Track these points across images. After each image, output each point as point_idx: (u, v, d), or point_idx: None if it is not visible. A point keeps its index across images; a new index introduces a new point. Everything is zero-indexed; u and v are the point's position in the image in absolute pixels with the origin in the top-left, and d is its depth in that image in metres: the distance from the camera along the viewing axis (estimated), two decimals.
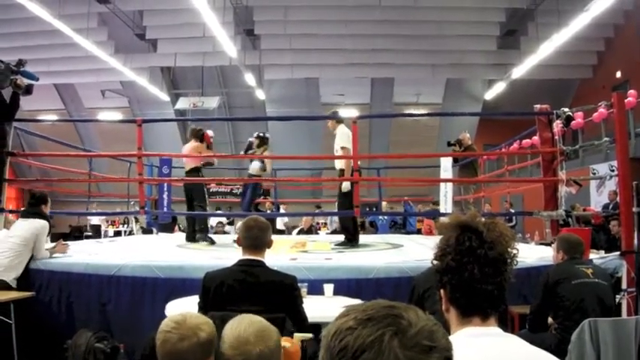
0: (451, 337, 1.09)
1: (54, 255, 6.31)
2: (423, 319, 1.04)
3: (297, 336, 3.13)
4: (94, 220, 20.58)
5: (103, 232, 19.32)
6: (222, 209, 21.15)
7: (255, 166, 9.75)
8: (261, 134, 9.79)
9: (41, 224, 6.19)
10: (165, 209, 10.65)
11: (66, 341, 5.29)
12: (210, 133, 9.61)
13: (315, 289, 5.12)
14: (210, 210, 17.27)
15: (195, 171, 9.29)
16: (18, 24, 19.56)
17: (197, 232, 9.30)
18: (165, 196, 10.70)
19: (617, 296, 5.18)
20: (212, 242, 9.00)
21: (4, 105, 6.83)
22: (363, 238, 9.81)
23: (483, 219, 1.80)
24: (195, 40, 20.56)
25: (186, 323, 2.23)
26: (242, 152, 10.36)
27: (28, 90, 7.00)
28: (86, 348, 5.09)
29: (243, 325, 2.26)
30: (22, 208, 7.16)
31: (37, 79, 7.15)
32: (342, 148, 8.10)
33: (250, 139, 9.90)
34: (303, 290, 4.49)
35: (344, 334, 1.02)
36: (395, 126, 24.49)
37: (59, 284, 5.88)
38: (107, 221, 20.56)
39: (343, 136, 8.12)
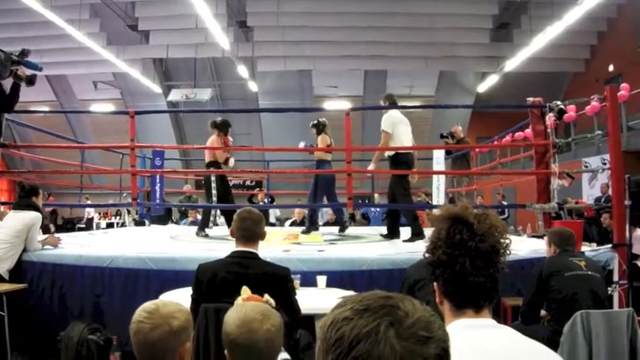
0: None
1: (45, 247, 6.29)
2: (419, 310, 1.04)
3: (266, 296, 3.15)
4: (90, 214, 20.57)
5: (95, 225, 19.29)
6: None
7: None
8: (315, 122, 9.40)
9: (34, 216, 6.16)
10: (157, 201, 10.64)
11: (59, 333, 5.28)
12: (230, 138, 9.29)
13: (308, 280, 5.13)
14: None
15: (211, 166, 8.94)
16: (10, 15, 19.48)
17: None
18: (157, 187, 10.69)
19: (609, 289, 5.20)
20: (206, 236, 8.94)
21: (3, 96, 6.75)
22: (355, 231, 9.83)
23: (475, 210, 1.79)
24: (187, 31, 20.51)
25: (159, 312, 2.21)
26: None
27: (31, 81, 6.89)
28: (79, 340, 5.08)
29: (248, 307, 2.31)
30: (15, 200, 7.11)
31: (41, 69, 7.05)
32: (382, 131, 7.98)
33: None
34: (296, 282, 4.50)
35: (340, 324, 1.01)
36: None
37: (52, 276, 5.86)
38: (99, 213, 20.54)
39: (386, 120, 8.02)
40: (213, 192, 8.66)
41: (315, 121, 9.30)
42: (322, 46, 22.23)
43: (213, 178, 8.67)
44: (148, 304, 2.28)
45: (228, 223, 9.27)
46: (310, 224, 9.37)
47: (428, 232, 1.89)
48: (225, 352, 2.29)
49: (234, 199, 9.44)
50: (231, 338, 2.25)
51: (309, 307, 3.93)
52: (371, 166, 8.07)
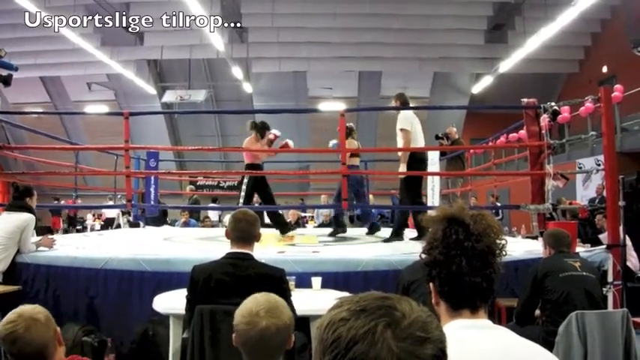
0: None
1: (39, 248, 6.27)
2: (416, 311, 1.04)
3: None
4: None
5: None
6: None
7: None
8: None
9: (27, 217, 6.13)
10: (152, 202, 10.61)
11: None
12: (276, 132, 9.10)
13: (303, 282, 5.13)
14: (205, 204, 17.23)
15: (250, 168, 8.83)
16: (4, 16, 19.41)
17: None
18: (152, 189, 10.66)
19: (604, 289, 5.22)
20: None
21: None
22: (350, 232, 9.79)
23: (471, 211, 1.80)
24: (182, 32, 20.47)
25: (23, 316, 2.43)
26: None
27: (7, 81, 6.82)
28: (73, 342, 5.07)
29: (258, 299, 2.34)
30: (8, 202, 7.07)
31: (16, 69, 6.98)
32: (401, 130, 7.86)
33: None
34: (292, 283, 4.50)
35: (337, 325, 1.01)
36: (382, 119, 24.47)
37: (46, 278, 5.84)
38: (94, 215, 20.48)
39: (404, 118, 7.92)
40: (242, 194, 8.63)
41: None
42: (317, 47, 22.25)
43: (245, 180, 8.65)
44: (8, 317, 2.46)
45: (275, 224, 9.25)
46: (336, 226, 9.22)
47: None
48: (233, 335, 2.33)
49: (274, 199, 9.31)
50: (236, 326, 2.29)
51: (304, 308, 3.92)
52: (402, 168, 7.99)
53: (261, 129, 8.87)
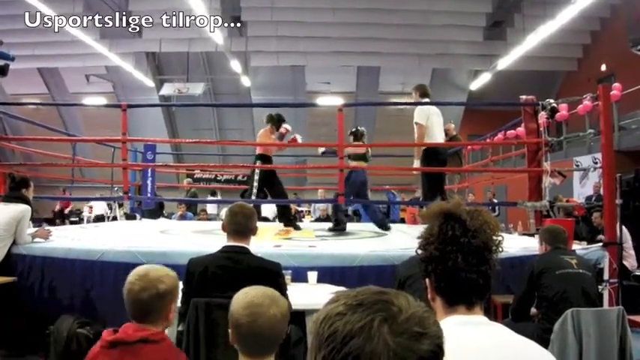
0: None
1: (35, 240, 6.25)
2: (413, 306, 1.03)
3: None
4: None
5: (86, 219, 19.16)
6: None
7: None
8: (353, 129, 9.27)
9: (23, 209, 6.12)
10: (149, 195, 10.60)
11: (48, 327, 5.25)
12: (288, 127, 9.05)
13: (299, 276, 5.14)
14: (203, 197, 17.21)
15: (261, 158, 8.84)
16: (2, 7, 19.34)
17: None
18: (149, 181, 10.65)
19: (599, 287, 5.22)
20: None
21: None
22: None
23: (468, 207, 1.79)
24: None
25: (148, 276, 2.53)
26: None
27: (3, 70, 6.79)
28: (68, 334, 5.06)
29: (255, 291, 2.35)
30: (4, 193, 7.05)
31: (13, 59, 6.94)
32: (415, 123, 7.91)
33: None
34: (287, 277, 4.49)
35: (333, 319, 1.01)
36: (380, 115, 24.49)
37: (41, 269, 5.84)
38: (90, 207, 20.45)
39: (420, 112, 7.95)
40: (255, 184, 8.62)
41: (354, 129, 9.24)
42: (315, 41, 22.22)
43: (257, 171, 8.66)
44: (140, 268, 2.61)
45: (281, 216, 9.29)
46: (335, 223, 9.10)
47: (419, 228, 1.89)
48: (230, 331, 2.32)
49: (286, 193, 9.32)
50: (237, 320, 2.29)
51: (299, 302, 3.93)
52: (416, 163, 7.98)
53: (277, 122, 8.94)
